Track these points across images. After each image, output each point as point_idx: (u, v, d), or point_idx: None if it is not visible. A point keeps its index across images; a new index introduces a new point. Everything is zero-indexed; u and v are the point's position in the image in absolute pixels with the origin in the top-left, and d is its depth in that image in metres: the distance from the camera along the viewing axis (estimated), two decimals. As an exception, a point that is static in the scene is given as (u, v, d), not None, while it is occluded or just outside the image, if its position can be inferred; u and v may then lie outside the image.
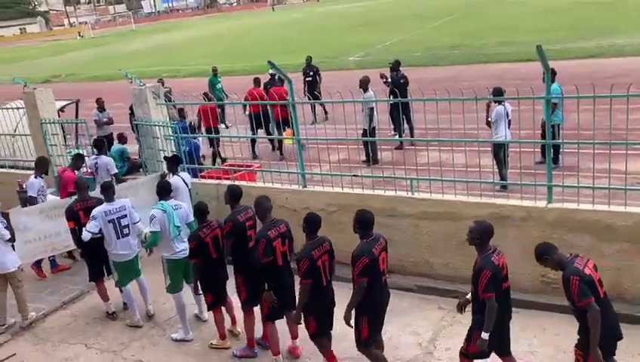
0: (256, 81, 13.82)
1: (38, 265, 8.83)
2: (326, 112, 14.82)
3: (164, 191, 6.80)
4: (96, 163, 9.29)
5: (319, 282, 5.41)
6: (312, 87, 15.41)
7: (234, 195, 6.26)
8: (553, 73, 9.46)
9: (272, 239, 5.63)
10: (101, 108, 13.41)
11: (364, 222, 5.24)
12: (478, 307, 4.82)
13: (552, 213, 6.46)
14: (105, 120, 13.38)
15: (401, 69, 13.05)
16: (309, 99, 13.11)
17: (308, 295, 5.34)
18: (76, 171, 9.07)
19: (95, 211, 6.90)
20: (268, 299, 5.69)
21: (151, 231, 6.53)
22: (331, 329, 5.71)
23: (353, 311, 5.24)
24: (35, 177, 8.73)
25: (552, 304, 6.38)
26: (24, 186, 9.45)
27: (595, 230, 6.24)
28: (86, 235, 6.85)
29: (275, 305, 5.73)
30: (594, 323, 4.40)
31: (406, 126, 12.11)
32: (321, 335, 5.65)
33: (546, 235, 6.44)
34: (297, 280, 5.87)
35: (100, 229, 6.86)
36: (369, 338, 5.33)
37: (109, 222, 6.88)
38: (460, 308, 5.17)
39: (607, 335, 4.51)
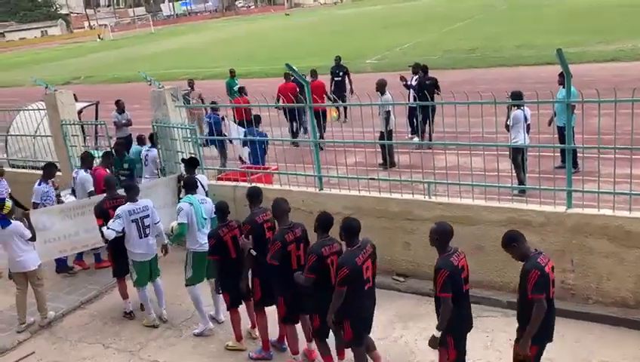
0: (287, 77, 14.38)
1: (79, 258, 9.04)
2: (345, 115, 14.93)
3: (190, 186, 7.01)
4: (75, 177, 9.17)
5: (328, 281, 5.40)
6: (341, 87, 15.44)
7: (252, 196, 6.30)
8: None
9: (287, 243, 5.66)
10: (120, 110, 13.59)
11: (348, 229, 5.22)
12: (437, 308, 4.89)
13: (571, 218, 6.39)
14: (124, 122, 13.55)
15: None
16: (335, 100, 13.20)
17: (307, 288, 5.40)
18: (107, 169, 9.24)
19: (119, 210, 6.99)
20: (298, 279, 5.52)
21: (178, 223, 6.58)
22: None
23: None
24: (39, 184, 8.80)
25: (571, 310, 6.31)
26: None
27: (616, 236, 6.15)
28: (110, 233, 6.93)
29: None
30: (537, 317, 4.55)
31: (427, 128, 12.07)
32: (322, 334, 5.69)
33: (565, 241, 6.39)
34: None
35: (123, 228, 6.95)
36: (354, 340, 5.38)
37: (132, 221, 6.98)
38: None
39: (543, 335, 4.71)
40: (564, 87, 9.21)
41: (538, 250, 4.81)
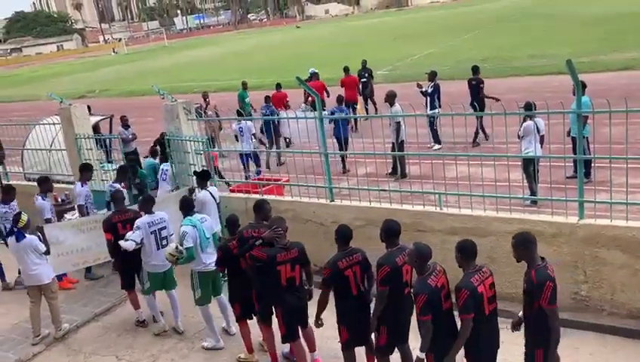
0: (314, 75, 17.02)
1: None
2: (356, 126, 15.26)
3: (187, 207, 7.00)
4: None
5: (348, 292, 5.42)
6: (366, 88, 17.77)
7: (256, 210, 6.37)
8: (583, 86, 9.34)
9: (278, 262, 5.69)
10: (125, 125, 13.76)
11: (388, 231, 5.31)
12: (419, 329, 4.85)
13: (583, 229, 6.34)
14: (130, 136, 13.72)
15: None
16: (364, 99, 16.62)
17: (324, 303, 5.46)
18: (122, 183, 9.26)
19: (139, 221, 7.10)
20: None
21: (185, 248, 6.61)
22: (365, 343, 5.69)
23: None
24: (43, 198, 8.91)
25: (586, 322, 6.25)
26: (59, 200, 9.72)
27: (629, 247, 6.09)
28: (130, 244, 6.98)
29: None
30: (556, 330, 4.57)
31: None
32: (349, 347, 5.65)
33: (577, 252, 6.34)
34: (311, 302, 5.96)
35: (141, 239, 7.03)
36: (386, 347, 5.36)
37: (151, 233, 7.07)
38: (514, 327, 5.02)
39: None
40: None
41: (545, 260, 4.70)
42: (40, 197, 8.94)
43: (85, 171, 9.12)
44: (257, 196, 8.61)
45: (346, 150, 11.86)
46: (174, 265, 7.18)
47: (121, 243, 7.05)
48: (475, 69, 13.72)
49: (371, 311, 5.55)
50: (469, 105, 12.73)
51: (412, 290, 4.85)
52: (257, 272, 5.86)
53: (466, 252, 4.79)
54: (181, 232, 6.67)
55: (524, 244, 4.67)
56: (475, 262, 4.80)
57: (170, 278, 7.42)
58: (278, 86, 16.57)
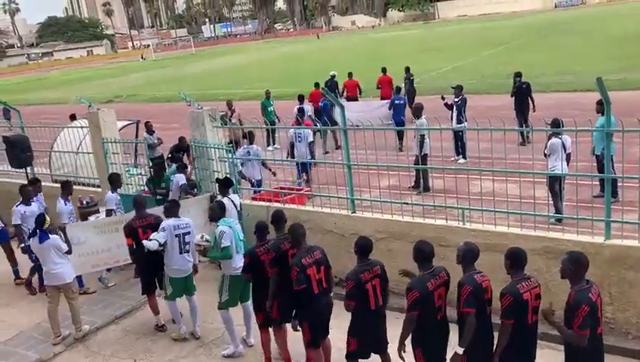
0: (350, 75, 19.95)
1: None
2: None
3: (221, 210, 7.04)
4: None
5: (366, 305, 5.39)
6: (410, 88, 19.65)
7: (274, 220, 6.38)
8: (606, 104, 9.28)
9: (305, 266, 5.67)
10: (150, 130, 13.92)
11: (419, 253, 5.14)
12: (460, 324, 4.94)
13: (609, 249, 6.22)
14: (155, 142, 13.88)
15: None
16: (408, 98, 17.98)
17: (352, 315, 5.40)
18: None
19: (165, 223, 7.15)
20: (293, 327, 5.90)
21: (222, 247, 6.63)
22: (381, 353, 5.65)
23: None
24: (65, 203, 9.09)
25: (610, 345, 6.06)
26: (84, 202, 9.86)
27: (657, 269, 5.96)
28: (153, 244, 7.01)
29: (294, 329, 5.95)
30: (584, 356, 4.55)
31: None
32: (354, 358, 5.62)
33: (603, 273, 6.21)
34: (335, 308, 5.94)
35: (165, 242, 7.07)
36: None
37: (176, 236, 7.12)
38: (546, 316, 4.77)
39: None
40: (602, 115, 9.19)
41: (590, 283, 4.58)
42: (63, 201, 9.09)
43: (115, 181, 9.24)
44: (279, 205, 8.63)
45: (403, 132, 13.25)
46: (201, 256, 7.18)
47: (145, 242, 7.10)
48: (519, 74, 14.49)
49: (385, 323, 5.54)
50: (515, 110, 13.75)
51: (458, 283, 4.86)
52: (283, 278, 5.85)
53: (515, 259, 4.82)
54: (219, 232, 6.68)
55: (573, 263, 4.60)
56: (524, 271, 4.82)
57: (191, 283, 7.45)
58: (350, 75, 19.96)
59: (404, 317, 5.07)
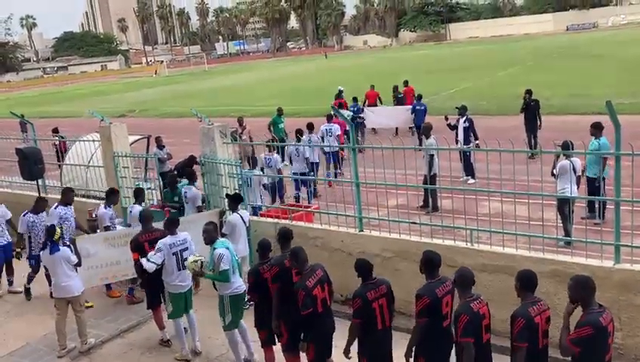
0: (372, 86, 22.19)
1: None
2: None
3: (216, 231, 7.02)
4: (130, 211, 9.22)
5: (373, 325, 5.36)
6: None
7: (281, 237, 6.38)
8: (600, 128, 9.43)
9: (310, 288, 5.66)
10: (160, 145, 14.02)
11: (429, 262, 5.24)
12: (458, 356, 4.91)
13: (619, 274, 6.16)
14: (165, 156, 13.96)
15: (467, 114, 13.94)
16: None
17: (355, 334, 5.37)
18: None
19: (160, 243, 7.12)
20: (302, 349, 5.87)
21: (221, 270, 6.60)
22: None
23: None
24: (105, 208, 9.13)
25: (618, 371, 6.01)
26: (94, 215, 9.92)
27: (667, 295, 5.89)
28: (151, 266, 7.04)
29: (303, 351, 5.91)
30: None
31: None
32: None
33: (612, 297, 6.14)
34: (339, 326, 5.92)
35: (163, 261, 7.07)
36: None
37: (172, 254, 7.11)
38: (568, 315, 4.74)
39: None
40: (595, 138, 9.69)
41: (603, 308, 4.53)
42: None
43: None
44: (287, 222, 8.64)
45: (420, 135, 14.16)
46: (198, 277, 7.11)
47: (143, 261, 7.11)
48: (530, 91, 15.38)
49: (391, 343, 5.51)
50: (525, 125, 14.92)
51: (453, 315, 4.81)
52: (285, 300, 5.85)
53: (526, 282, 4.80)
54: (217, 255, 6.62)
55: (579, 288, 4.58)
56: (534, 294, 4.79)
57: (190, 299, 7.43)
58: (372, 86, 22.27)
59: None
